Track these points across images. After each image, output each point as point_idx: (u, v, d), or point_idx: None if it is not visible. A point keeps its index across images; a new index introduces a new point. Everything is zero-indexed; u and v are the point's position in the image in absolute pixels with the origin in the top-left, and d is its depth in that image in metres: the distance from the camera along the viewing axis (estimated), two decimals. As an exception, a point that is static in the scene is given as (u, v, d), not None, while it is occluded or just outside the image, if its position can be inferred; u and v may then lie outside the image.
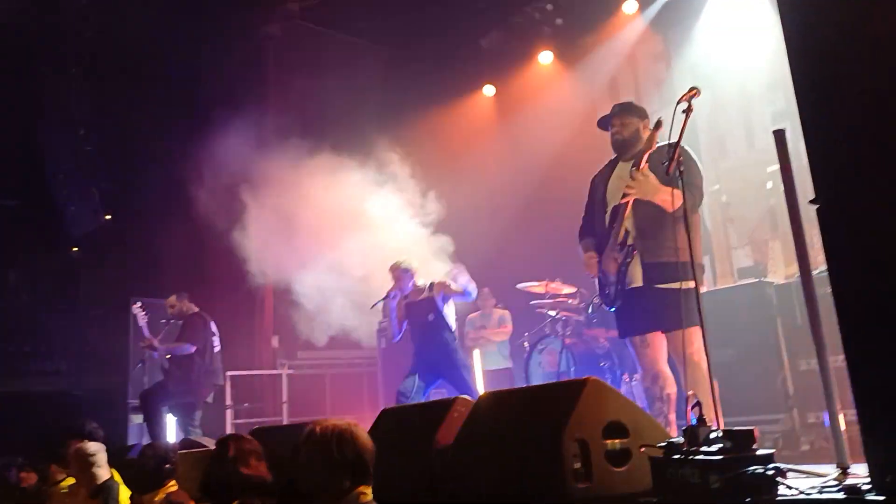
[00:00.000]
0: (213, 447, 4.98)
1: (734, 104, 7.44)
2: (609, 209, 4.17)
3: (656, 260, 3.89)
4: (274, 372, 8.61)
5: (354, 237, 7.82)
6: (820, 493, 2.49)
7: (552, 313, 6.96)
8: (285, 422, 7.65)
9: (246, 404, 5.73)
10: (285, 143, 8.04)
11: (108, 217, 8.34)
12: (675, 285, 3.66)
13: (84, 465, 4.43)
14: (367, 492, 2.68)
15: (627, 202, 3.98)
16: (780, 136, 3.01)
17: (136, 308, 7.18)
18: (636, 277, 4.01)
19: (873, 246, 2.34)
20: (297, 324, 7.82)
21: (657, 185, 3.83)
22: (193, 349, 6.99)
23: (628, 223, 4.03)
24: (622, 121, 4.22)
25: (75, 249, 8.82)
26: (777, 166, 3.23)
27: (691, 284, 3.82)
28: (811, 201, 2.47)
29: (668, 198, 3.67)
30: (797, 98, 2.62)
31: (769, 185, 6.49)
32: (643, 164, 3.88)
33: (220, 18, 8.68)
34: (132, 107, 8.15)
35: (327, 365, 8.41)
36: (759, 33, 6.96)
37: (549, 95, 9.23)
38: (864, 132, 2.38)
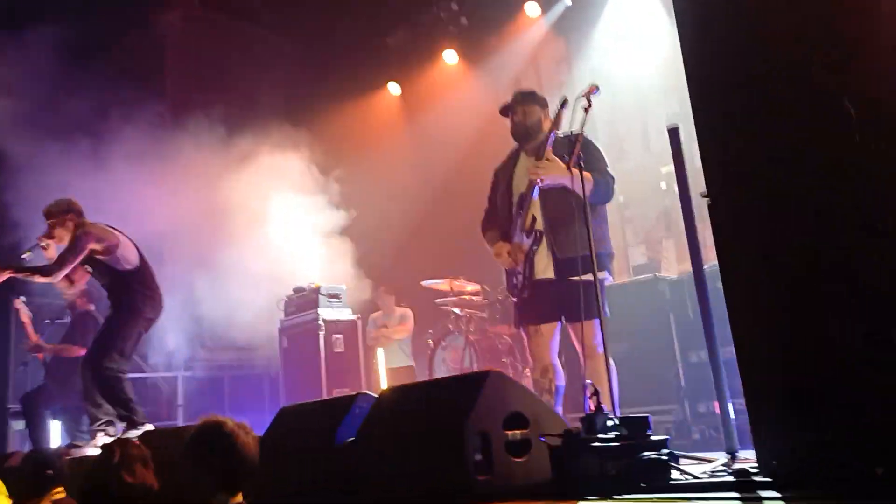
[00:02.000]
0: (90, 452, 4.76)
1: (631, 107, 7.70)
2: (515, 198, 4.15)
3: (567, 254, 3.86)
4: (169, 374, 8.28)
5: (255, 233, 7.63)
6: (711, 477, 2.59)
7: (456, 311, 6.99)
8: (180, 425, 7.36)
9: (138, 404, 5.46)
10: (183, 134, 7.75)
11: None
12: (587, 277, 3.60)
13: None
14: (236, 500, 2.55)
15: (531, 191, 3.96)
16: (673, 132, 3.11)
17: (19, 303, 6.73)
18: (545, 269, 4.00)
19: (762, 240, 2.45)
20: (195, 324, 7.54)
21: (565, 168, 3.78)
22: (82, 352, 6.62)
23: (535, 211, 4.02)
24: (525, 108, 4.22)
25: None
26: (671, 167, 3.35)
27: (602, 275, 3.90)
28: (703, 194, 2.56)
29: (578, 181, 3.65)
30: (690, 97, 2.72)
31: (663, 185, 6.74)
32: (549, 146, 3.90)
33: (118, 5, 8.28)
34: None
35: (227, 366, 8.15)
36: (656, 38, 7.23)
37: (454, 94, 9.29)
38: (753, 129, 2.48)
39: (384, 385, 7.39)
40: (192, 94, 8.77)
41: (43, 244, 5.19)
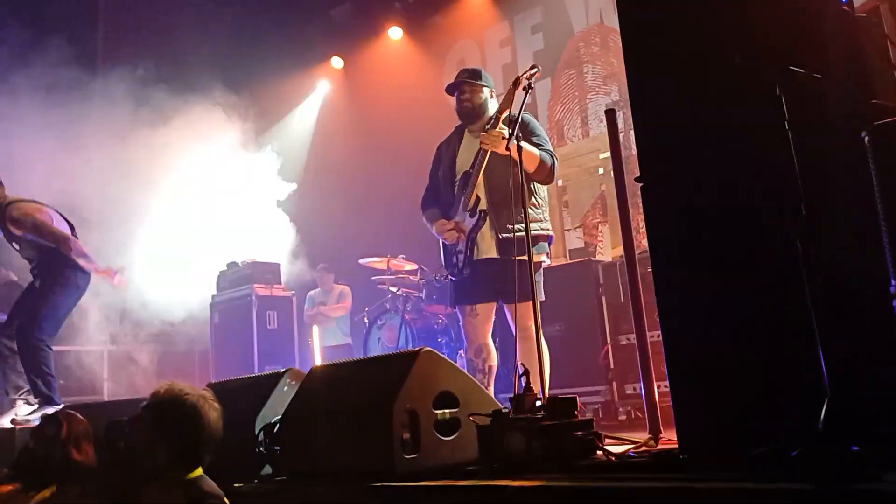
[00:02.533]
0: (4, 423, 4.60)
1: (572, 93, 7.76)
2: (458, 176, 4.12)
3: (510, 234, 3.84)
4: (95, 348, 8.02)
5: (184, 202, 7.43)
6: (633, 456, 2.64)
7: (393, 289, 6.96)
8: (105, 399, 7.15)
9: (61, 381, 5.28)
10: (113, 104, 7.47)
11: None
12: (523, 258, 3.58)
13: None
14: (196, 474, 2.41)
15: (480, 168, 3.90)
16: (610, 115, 3.14)
17: None
18: (487, 249, 3.97)
19: (690, 224, 2.49)
20: (120, 296, 7.31)
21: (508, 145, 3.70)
22: (5, 317, 6.40)
23: (480, 190, 3.99)
24: (472, 87, 4.15)
25: None
26: (608, 153, 3.38)
27: (539, 257, 3.92)
28: (637, 179, 2.58)
29: (523, 159, 3.65)
30: (628, 83, 2.74)
31: (601, 170, 6.84)
32: (499, 120, 3.86)
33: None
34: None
35: (154, 341, 7.93)
36: (599, 26, 7.29)
37: (397, 71, 9.21)
38: (686, 115, 2.52)
39: (318, 363, 7.33)
40: (123, 54, 8.44)
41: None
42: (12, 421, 4.77)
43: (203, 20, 9.39)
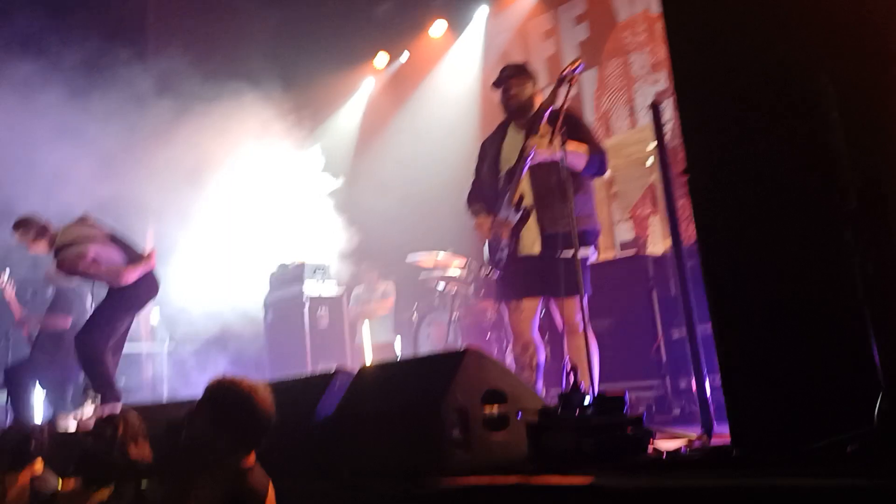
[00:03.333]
0: (79, 426, 4.77)
1: (619, 84, 7.65)
2: (503, 173, 4.09)
3: (555, 230, 3.79)
4: (153, 349, 8.26)
5: (235, 206, 7.59)
6: (686, 452, 2.60)
7: (441, 286, 6.97)
8: (165, 400, 7.35)
9: (123, 381, 5.47)
10: (162, 109, 7.66)
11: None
12: (569, 253, 3.56)
13: None
14: (251, 461, 2.53)
15: (524, 165, 3.88)
16: (656, 109, 3.09)
17: (3, 280, 6.70)
18: (531, 245, 3.94)
19: (739, 217, 2.44)
20: (179, 298, 7.51)
21: (552, 140, 3.71)
22: (68, 322, 6.62)
23: (524, 186, 3.96)
24: (519, 82, 4.12)
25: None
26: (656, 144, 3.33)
27: (587, 251, 3.89)
28: (682, 172, 2.54)
29: (570, 155, 3.62)
30: (674, 72, 2.70)
31: (650, 161, 6.72)
32: (545, 118, 3.83)
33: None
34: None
35: (210, 340, 8.13)
36: (644, 14, 7.18)
37: (441, 66, 9.22)
38: (732, 107, 2.47)
39: (369, 360, 7.40)
40: (174, 57, 8.65)
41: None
42: (75, 419, 4.94)
43: (248, 19, 9.56)
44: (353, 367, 3.74)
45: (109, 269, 5.18)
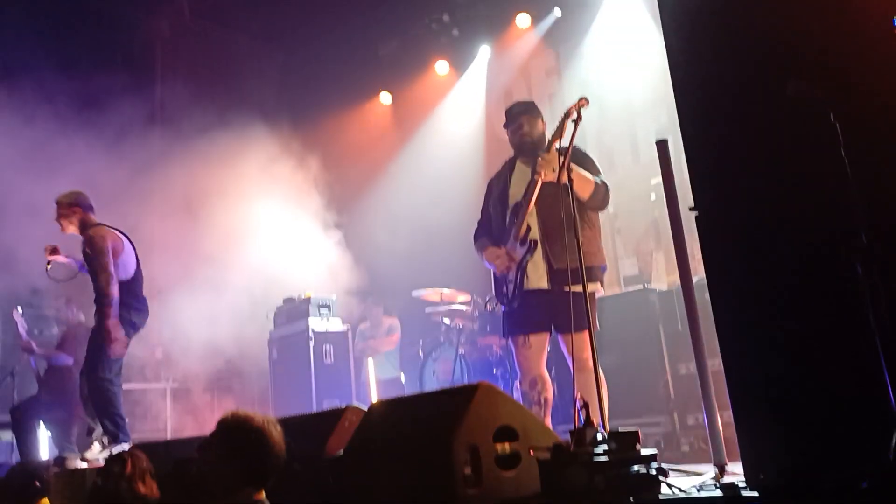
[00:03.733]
0: (82, 464, 4.74)
1: (620, 119, 7.74)
2: (510, 207, 4.12)
3: (563, 265, 3.80)
4: (158, 385, 8.23)
5: (243, 240, 7.62)
6: (699, 490, 2.59)
7: (447, 321, 6.97)
8: (168, 437, 7.30)
9: (126, 420, 5.43)
10: (170, 138, 7.75)
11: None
12: (577, 288, 3.56)
13: None
14: (261, 497, 2.54)
15: (531, 198, 3.91)
16: (662, 146, 3.13)
17: (17, 315, 6.77)
18: (538, 279, 3.96)
19: (748, 252, 2.46)
20: (183, 334, 7.51)
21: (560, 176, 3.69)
22: (71, 361, 6.63)
23: (531, 219, 3.99)
24: (529, 120, 4.20)
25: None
26: (660, 179, 3.37)
27: (594, 287, 3.90)
28: (691, 208, 2.57)
29: (579, 181, 3.65)
30: (678, 110, 2.74)
31: (653, 196, 6.76)
32: (553, 148, 3.89)
33: (105, 13, 8.27)
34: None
35: (215, 377, 8.10)
36: (644, 50, 7.29)
37: (445, 104, 9.33)
38: (739, 143, 2.51)
39: (375, 397, 7.37)
40: (181, 99, 8.77)
41: (48, 260, 5.36)
42: (83, 459, 4.91)
43: (256, 59, 9.72)
44: (358, 403, 3.73)
45: (108, 267, 5.03)
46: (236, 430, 2.54)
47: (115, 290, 5.01)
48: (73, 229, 5.24)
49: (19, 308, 6.86)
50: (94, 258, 5.06)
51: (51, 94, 7.33)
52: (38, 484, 3.87)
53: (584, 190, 3.87)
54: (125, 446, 4.86)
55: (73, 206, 5.25)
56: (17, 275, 6.65)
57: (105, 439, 4.95)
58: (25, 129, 7.06)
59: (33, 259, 5.94)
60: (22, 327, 6.76)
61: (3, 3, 7.49)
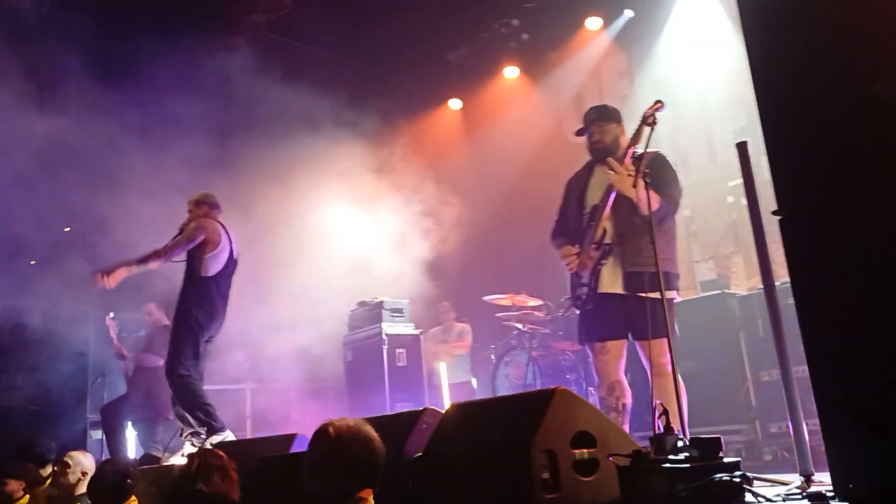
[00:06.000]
0: (171, 463, 4.92)
1: (696, 120, 7.59)
2: (588, 209, 4.13)
3: (636, 269, 3.82)
4: (238, 386, 8.49)
5: (321, 246, 7.79)
6: (784, 500, 2.53)
7: (518, 326, 6.98)
8: (249, 437, 7.53)
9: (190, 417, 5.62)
10: (251, 158, 7.99)
11: (67, 230, 8.19)
12: (654, 294, 3.55)
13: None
14: (368, 497, 2.64)
15: (608, 202, 3.92)
16: (742, 148, 3.08)
17: (110, 320, 7.12)
18: (612, 283, 3.95)
19: (835, 256, 2.39)
20: (262, 337, 7.73)
21: (635, 182, 3.71)
22: (160, 362, 6.90)
23: (607, 223, 3.99)
24: (601, 128, 4.18)
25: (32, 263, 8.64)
26: (738, 181, 3.31)
27: (668, 294, 3.85)
28: (774, 212, 2.51)
29: (645, 199, 3.62)
30: (759, 112, 2.68)
31: (730, 198, 6.63)
32: (628, 158, 3.87)
33: (184, 31, 8.59)
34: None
35: (292, 378, 8.31)
36: (720, 50, 7.14)
37: (515, 109, 9.33)
38: (824, 144, 2.44)
39: (447, 400, 7.42)
40: (257, 111, 9.03)
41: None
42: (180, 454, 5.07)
43: (329, 74, 9.91)
44: (431, 405, 3.78)
45: (178, 246, 5.20)
46: (349, 442, 2.65)
47: (167, 258, 5.17)
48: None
49: (111, 314, 7.20)
50: (176, 237, 5.27)
51: (135, 104, 7.64)
52: (129, 482, 4.04)
53: (644, 205, 3.83)
54: (225, 435, 5.02)
55: (200, 204, 5.51)
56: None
57: (202, 433, 5.08)
58: (120, 138, 7.40)
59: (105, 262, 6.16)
60: (114, 331, 7.10)
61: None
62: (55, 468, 4.66)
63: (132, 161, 7.32)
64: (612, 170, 3.85)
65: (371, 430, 2.68)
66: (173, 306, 5.46)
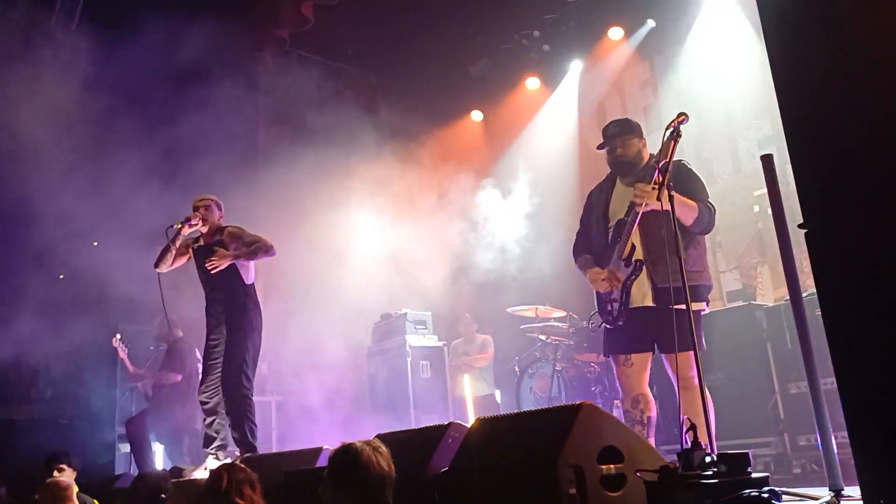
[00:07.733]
0: (198, 475, 4.96)
1: (720, 130, 7.54)
2: (612, 223, 4.10)
3: (667, 284, 3.70)
4: (263, 399, 8.55)
5: (341, 262, 7.84)
6: (815, 516, 2.50)
7: (542, 338, 6.96)
8: (274, 450, 7.58)
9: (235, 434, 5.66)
10: (274, 172, 8.08)
11: (95, 244, 8.32)
12: (681, 306, 3.45)
13: (56, 500, 4.40)
14: None
15: (636, 217, 3.87)
16: (767, 160, 3.06)
17: (116, 342, 7.12)
18: (642, 297, 3.92)
19: (862, 267, 2.37)
20: (287, 349, 7.79)
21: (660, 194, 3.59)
22: (179, 377, 6.96)
23: (635, 239, 3.94)
24: (623, 141, 4.14)
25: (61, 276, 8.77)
26: (763, 190, 3.28)
27: (698, 306, 3.82)
28: (800, 225, 2.49)
29: (678, 210, 3.56)
30: (783, 122, 2.66)
31: (756, 208, 6.57)
32: (656, 174, 3.84)
33: (210, 46, 8.72)
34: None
35: (317, 391, 8.35)
36: (744, 60, 7.09)
37: (537, 121, 9.33)
38: (850, 155, 2.42)
39: (471, 413, 7.42)
40: (283, 127, 9.13)
41: (194, 221, 5.31)
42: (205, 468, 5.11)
43: (352, 87, 10.00)
44: (454, 418, 3.78)
45: (264, 240, 5.22)
46: (339, 461, 2.79)
47: (259, 257, 5.20)
48: (204, 229, 5.39)
49: (118, 335, 7.15)
50: (239, 241, 5.23)
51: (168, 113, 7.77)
52: (163, 496, 4.09)
53: (687, 216, 3.79)
54: (255, 452, 5.04)
55: (219, 206, 5.51)
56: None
57: (222, 452, 5.11)
58: (140, 151, 7.52)
59: (129, 276, 6.23)
60: (123, 353, 7.06)
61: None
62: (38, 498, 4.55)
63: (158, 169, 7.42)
64: (643, 192, 3.79)
65: (379, 458, 2.78)
66: (186, 319, 5.49)
